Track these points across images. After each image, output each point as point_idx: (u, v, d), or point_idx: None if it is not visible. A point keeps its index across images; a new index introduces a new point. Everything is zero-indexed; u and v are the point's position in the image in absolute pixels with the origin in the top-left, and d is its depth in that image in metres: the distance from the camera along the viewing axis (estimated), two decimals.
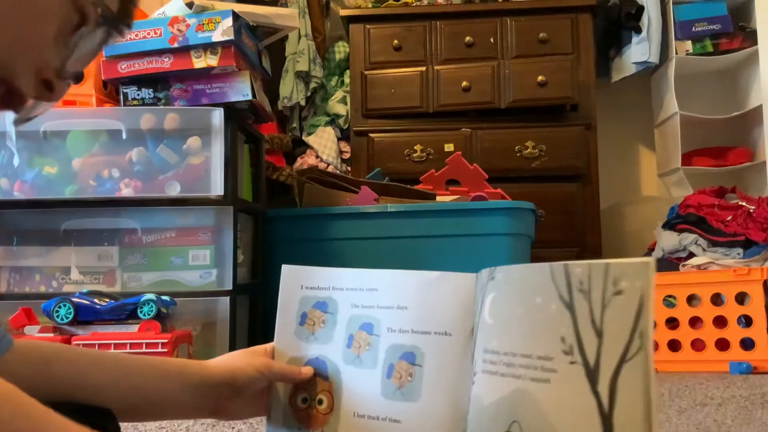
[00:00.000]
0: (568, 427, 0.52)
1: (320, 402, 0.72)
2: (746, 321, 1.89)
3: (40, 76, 0.50)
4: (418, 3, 3.02)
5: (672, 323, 1.98)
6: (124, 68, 1.82)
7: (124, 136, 1.81)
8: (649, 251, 2.41)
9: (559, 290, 0.55)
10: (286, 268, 0.79)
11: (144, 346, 1.49)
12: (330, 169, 2.84)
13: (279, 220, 2.16)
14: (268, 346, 0.77)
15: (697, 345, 1.93)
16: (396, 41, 2.92)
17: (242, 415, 0.75)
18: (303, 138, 3.01)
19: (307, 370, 0.73)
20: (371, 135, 2.88)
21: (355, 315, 0.73)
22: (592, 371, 0.51)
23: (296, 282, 0.77)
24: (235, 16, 1.80)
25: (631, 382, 0.49)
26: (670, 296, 1.99)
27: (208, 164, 1.81)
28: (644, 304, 0.50)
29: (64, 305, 1.57)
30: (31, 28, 0.48)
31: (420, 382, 0.66)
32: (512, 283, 0.59)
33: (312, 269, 0.78)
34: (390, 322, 0.70)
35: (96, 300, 1.60)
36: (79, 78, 0.55)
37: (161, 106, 1.83)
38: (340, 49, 3.11)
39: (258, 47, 2.00)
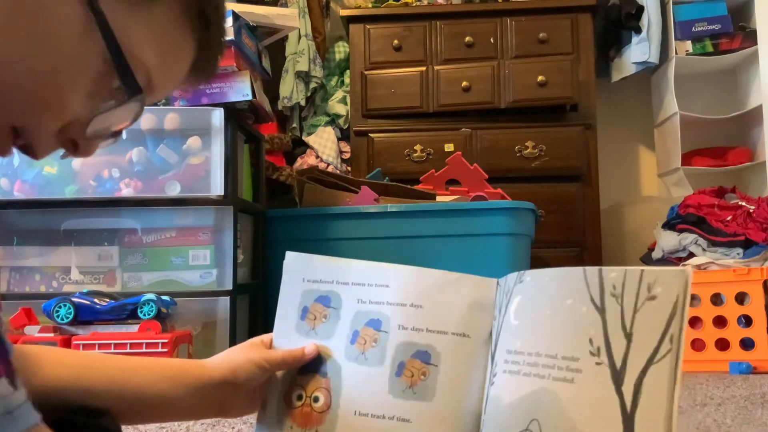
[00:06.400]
0: (589, 425, 0.54)
1: (316, 399, 0.69)
2: (746, 321, 1.89)
3: (64, 135, 0.47)
4: (418, 3, 3.02)
5: None
6: None
7: (124, 136, 1.81)
8: (649, 251, 2.41)
9: (591, 293, 0.56)
10: (290, 256, 0.76)
11: (144, 346, 1.49)
12: (330, 169, 2.84)
13: (279, 220, 2.16)
14: (266, 337, 0.74)
15: (697, 345, 1.93)
16: (396, 41, 2.92)
17: (247, 410, 0.74)
18: (303, 138, 3.01)
19: (311, 349, 0.70)
20: (371, 135, 2.88)
21: (361, 311, 0.70)
22: (618, 372, 0.53)
23: (299, 274, 0.75)
24: (235, 16, 1.80)
25: (656, 384, 0.52)
26: None
27: (208, 164, 1.81)
28: (677, 309, 0.52)
29: (64, 305, 1.58)
30: (53, 92, 0.44)
31: (435, 382, 0.65)
32: (542, 285, 0.60)
33: (317, 259, 0.75)
34: (401, 319, 0.68)
35: (96, 300, 1.60)
36: (115, 136, 0.52)
37: (161, 106, 1.83)
38: (340, 49, 3.11)
39: (258, 47, 2.00)
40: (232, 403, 0.71)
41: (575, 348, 0.56)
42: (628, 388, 0.52)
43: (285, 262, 0.76)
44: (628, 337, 0.54)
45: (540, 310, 0.60)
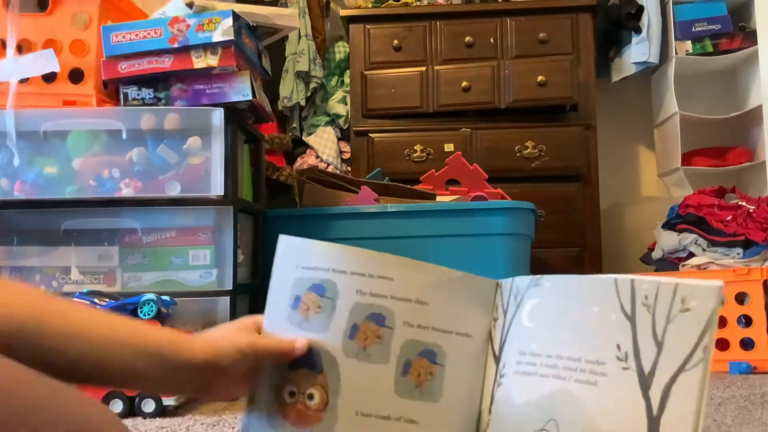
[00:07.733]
0: (612, 426, 0.54)
1: (311, 397, 0.65)
2: (746, 321, 1.89)
3: None
4: (418, 3, 3.02)
5: None
6: (124, 68, 1.82)
7: (124, 136, 1.81)
8: (649, 251, 2.41)
9: (622, 302, 0.57)
10: (283, 240, 0.70)
11: None
12: (330, 169, 2.84)
13: (279, 220, 2.16)
14: (259, 318, 0.69)
15: None
16: (396, 41, 2.92)
17: (229, 395, 0.68)
18: (303, 138, 3.01)
19: (302, 344, 0.65)
20: (371, 135, 2.88)
21: (361, 303, 0.65)
22: (646, 377, 0.55)
23: (292, 260, 0.69)
24: (235, 16, 1.80)
25: (686, 390, 0.53)
26: None
27: (208, 164, 1.81)
28: (711, 321, 0.54)
29: None
30: None
31: (441, 382, 0.64)
32: (565, 291, 0.61)
33: (312, 244, 0.68)
34: (407, 316, 0.65)
35: (96, 300, 1.60)
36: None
37: (161, 106, 1.83)
38: (340, 49, 3.11)
39: (258, 47, 2.00)
40: (214, 386, 0.65)
41: (601, 352, 0.57)
42: (655, 393, 0.54)
43: (278, 246, 0.70)
44: (659, 345, 0.55)
45: (562, 314, 0.60)
